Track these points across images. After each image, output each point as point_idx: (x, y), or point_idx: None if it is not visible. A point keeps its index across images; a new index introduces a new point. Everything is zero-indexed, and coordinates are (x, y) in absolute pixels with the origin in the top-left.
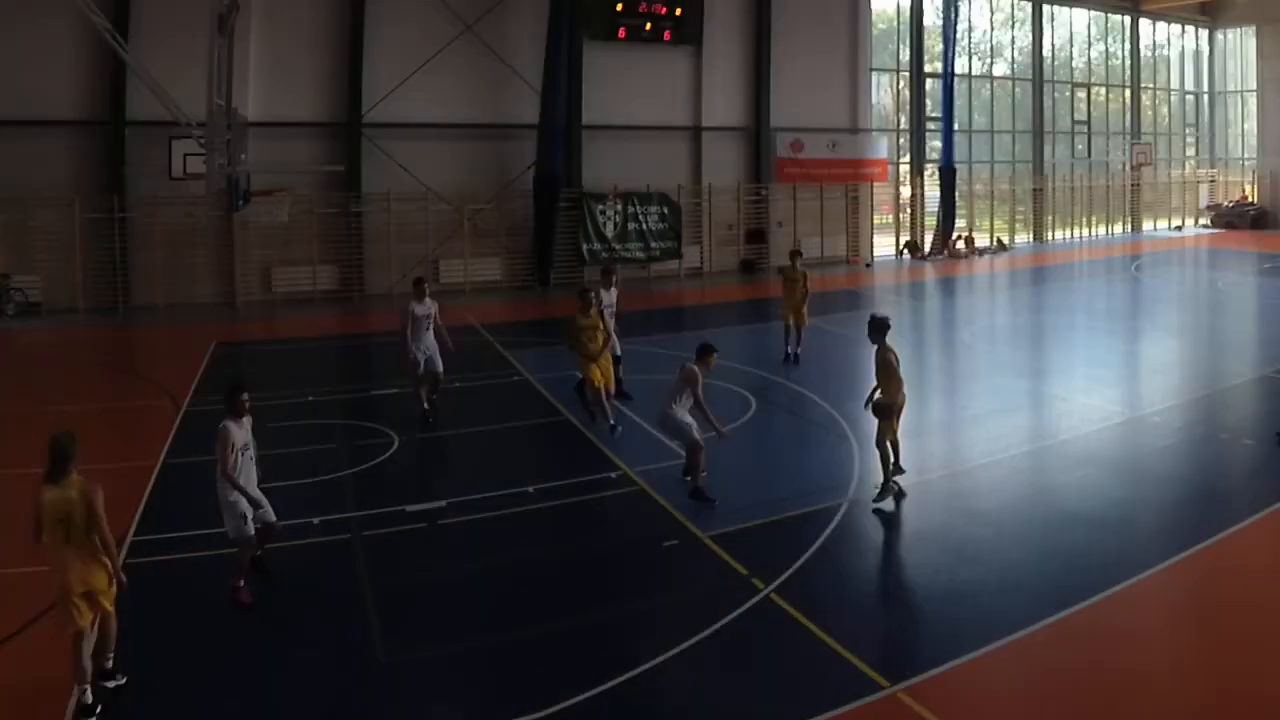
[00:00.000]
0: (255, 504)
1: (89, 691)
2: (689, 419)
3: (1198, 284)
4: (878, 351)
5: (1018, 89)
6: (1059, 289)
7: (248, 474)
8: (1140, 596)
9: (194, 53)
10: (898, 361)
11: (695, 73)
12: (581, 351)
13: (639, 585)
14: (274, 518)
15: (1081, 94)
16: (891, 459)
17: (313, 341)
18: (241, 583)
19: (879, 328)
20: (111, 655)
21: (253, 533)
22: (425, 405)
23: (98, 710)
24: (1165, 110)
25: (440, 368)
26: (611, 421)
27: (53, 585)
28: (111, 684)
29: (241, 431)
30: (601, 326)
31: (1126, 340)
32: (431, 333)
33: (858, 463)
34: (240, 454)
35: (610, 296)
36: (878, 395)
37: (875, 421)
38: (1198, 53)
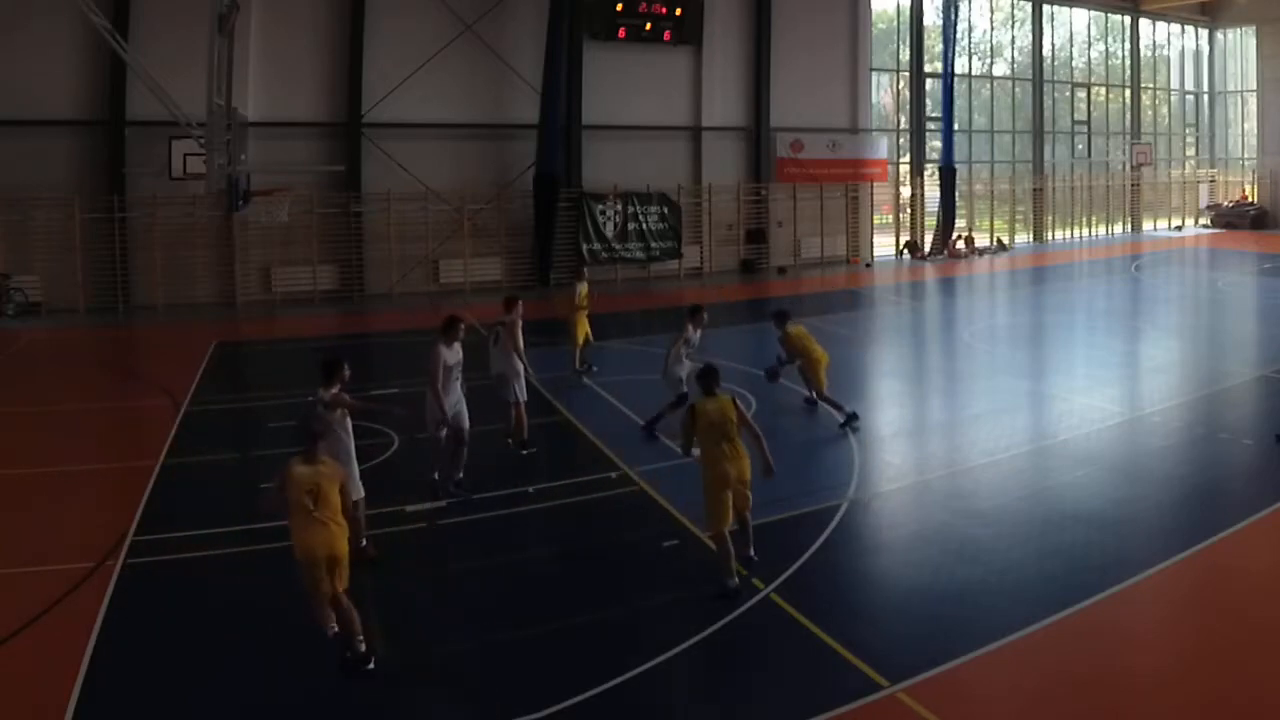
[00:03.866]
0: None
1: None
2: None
3: (1197, 284)
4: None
5: (1018, 89)
6: (1059, 289)
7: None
8: (1140, 596)
9: (194, 53)
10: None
11: (695, 73)
12: None
13: (639, 585)
14: (466, 424)
15: (1081, 94)
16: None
17: (313, 341)
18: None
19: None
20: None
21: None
22: (449, 476)
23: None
24: (1165, 110)
25: (467, 424)
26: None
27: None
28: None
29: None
30: None
31: (1126, 340)
32: (459, 384)
33: (858, 463)
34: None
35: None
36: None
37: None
38: (1198, 53)
